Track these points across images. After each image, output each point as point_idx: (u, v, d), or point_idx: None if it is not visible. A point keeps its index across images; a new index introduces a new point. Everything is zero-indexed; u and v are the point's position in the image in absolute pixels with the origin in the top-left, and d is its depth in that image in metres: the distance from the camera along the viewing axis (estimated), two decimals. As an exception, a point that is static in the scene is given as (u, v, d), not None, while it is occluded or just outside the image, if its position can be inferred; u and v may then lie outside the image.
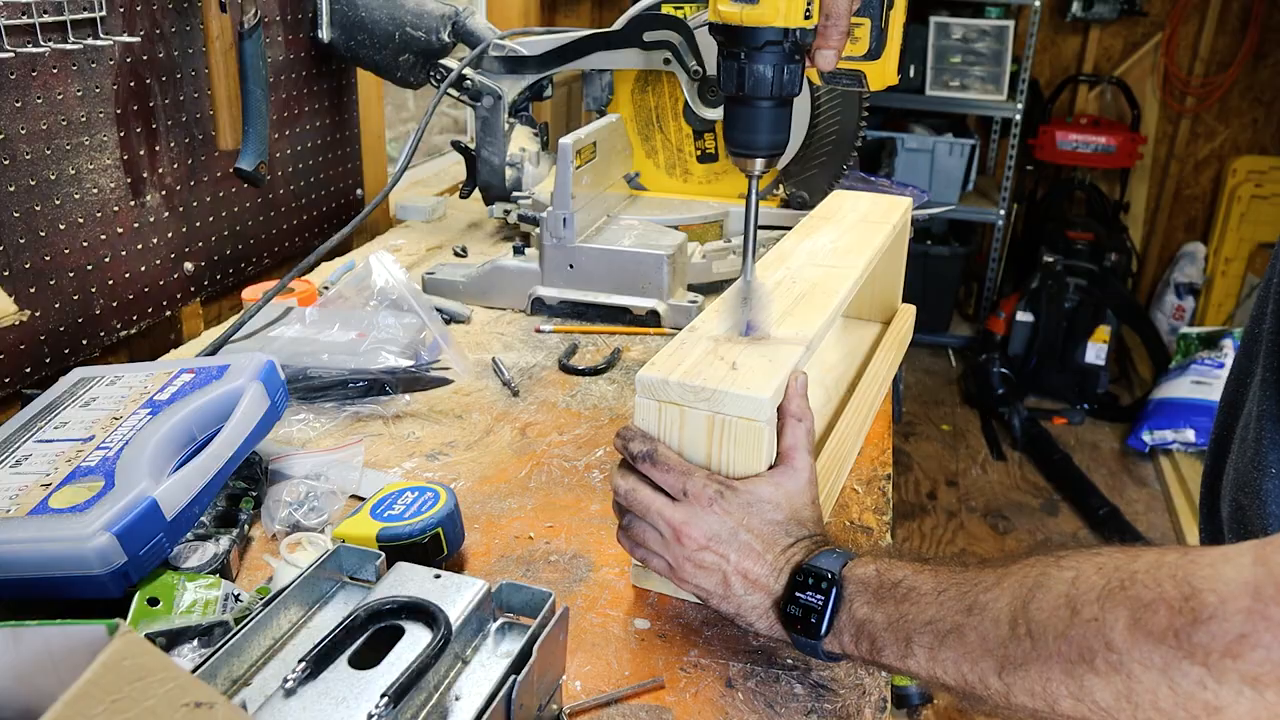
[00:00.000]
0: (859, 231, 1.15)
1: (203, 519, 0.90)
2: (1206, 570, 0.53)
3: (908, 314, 1.36)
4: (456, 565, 0.90)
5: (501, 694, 0.60)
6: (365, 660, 0.61)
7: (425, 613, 0.64)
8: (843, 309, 0.97)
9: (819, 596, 0.70)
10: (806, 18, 0.77)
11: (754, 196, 0.84)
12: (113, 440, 0.86)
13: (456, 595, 0.66)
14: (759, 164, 0.82)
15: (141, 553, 0.77)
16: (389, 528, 0.84)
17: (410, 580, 0.68)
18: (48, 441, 0.89)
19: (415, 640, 0.62)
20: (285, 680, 0.59)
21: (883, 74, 0.93)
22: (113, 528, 0.75)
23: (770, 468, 0.79)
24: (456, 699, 0.61)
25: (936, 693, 0.65)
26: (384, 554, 0.72)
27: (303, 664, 0.59)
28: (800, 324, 0.88)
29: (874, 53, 0.92)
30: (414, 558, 0.78)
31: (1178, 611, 0.52)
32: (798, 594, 0.71)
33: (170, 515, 0.79)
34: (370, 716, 0.56)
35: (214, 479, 0.85)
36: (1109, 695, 0.55)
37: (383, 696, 0.56)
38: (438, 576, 0.68)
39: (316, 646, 0.61)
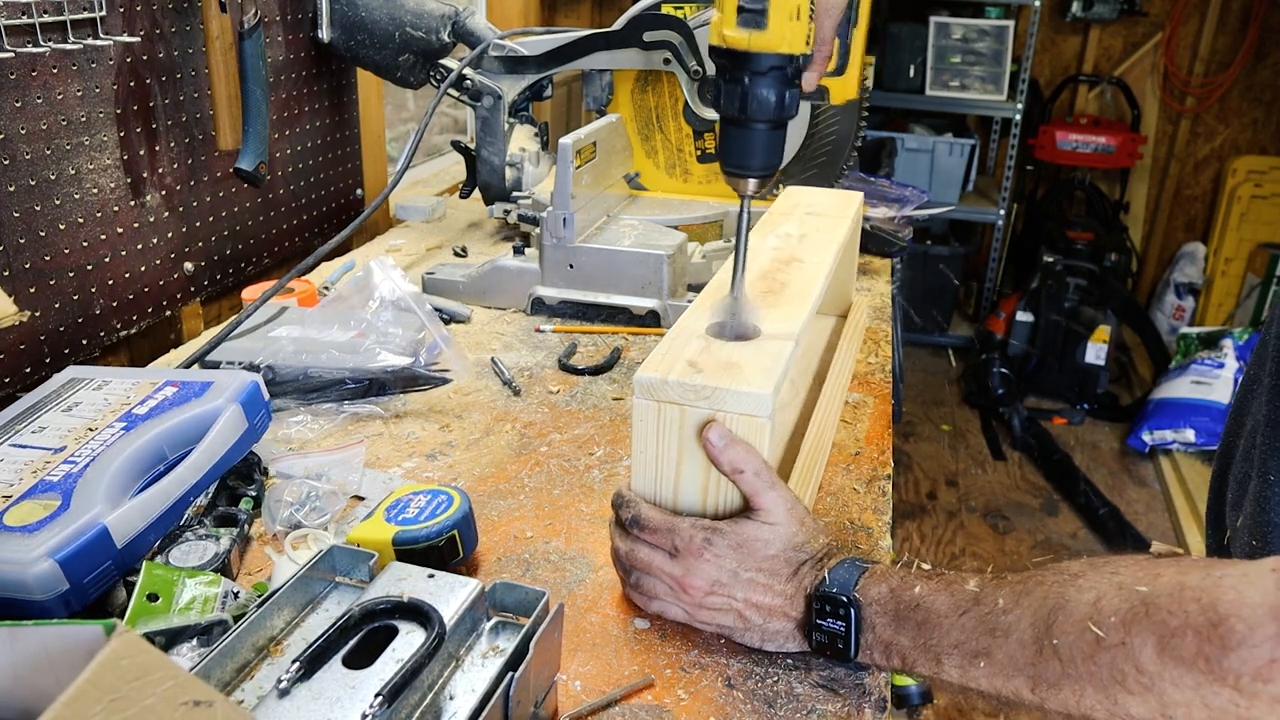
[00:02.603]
0: (819, 226, 1.16)
1: (203, 519, 0.91)
2: (1230, 595, 0.55)
3: (862, 305, 1.39)
4: (466, 566, 0.90)
5: (500, 691, 0.60)
6: (359, 660, 0.61)
7: (419, 612, 0.64)
8: (820, 301, 0.98)
9: (839, 623, 0.72)
10: (807, 44, 0.78)
11: (746, 214, 0.85)
12: (81, 454, 0.85)
13: (450, 595, 0.66)
14: (752, 184, 0.83)
15: (86, 580, 0.75)
16: (405, 531, 0.83)
17: (404, 580, 0.68)
18: (21, 447, 0.88)
19: (409, 640, 0.62)
20: (280, 680, 0.59)
21: (845, 88, 0.95)
22: (56, 554, 0.73)
23: (745, 510, 0.79)
24: (450, 698, 0.62)
25: (973, 699, 0.69)
26: (394, 556, 0.72)
27: (297, 664, 0.59)
28: (783, 319, 0.89)
29: (840, 69, 0.94)
30: (431, 561, 0.78)
31: (1206, 639, 0.55)
32: (819, 621, 0.73)
33: (121, 543, 0.78)
34: (364, 716, 0.56)
35: (175, 504, 0.84)
36: (1144, 710, 0.58)
37: (377, 696, 0.56)
38: (431, 576, 0.68)
39: (311, 646, 0.61)
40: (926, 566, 0.73)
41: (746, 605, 0.76)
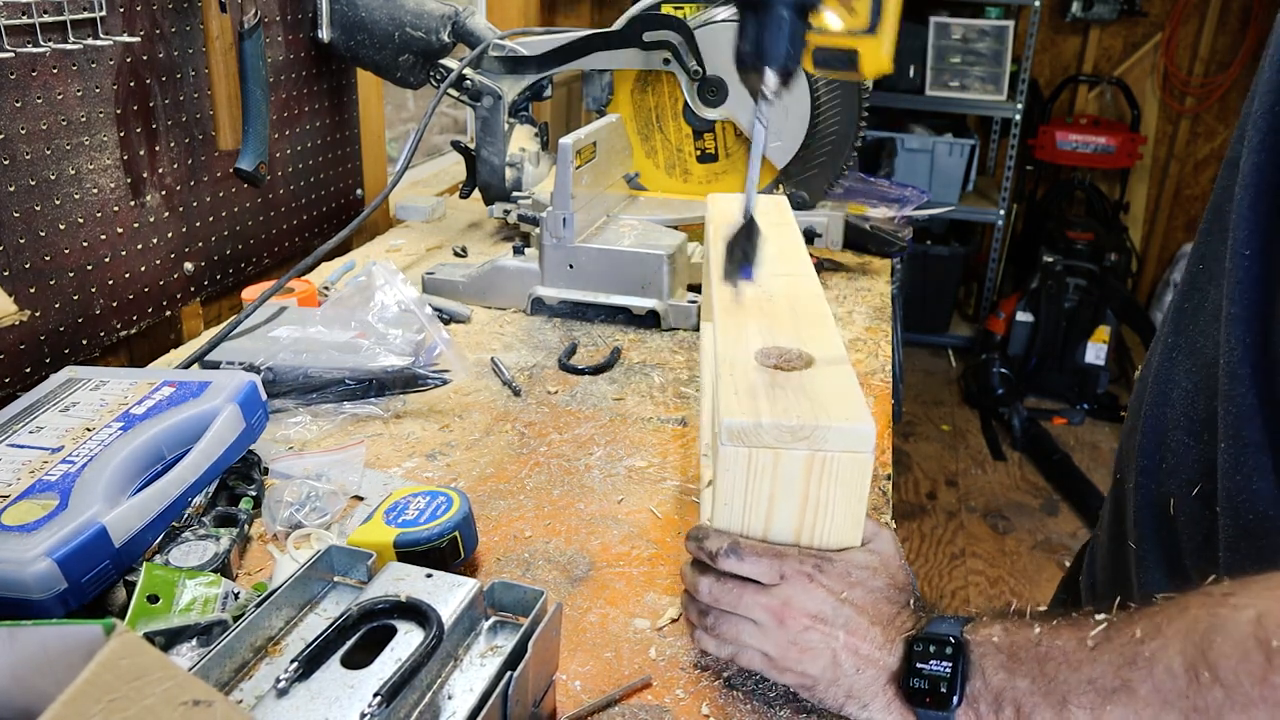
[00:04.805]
0: (775, 236, 1.10)
1: (203, 519, 0.91)
2: None
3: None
4: (466, 566, 0.90)
5: (498, 691, 0.60)
6: (358, 660, 0.61)
7: (417, 612, 0.64)
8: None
9: (944, 664, 0.65)
10: None
11: (764, 122, 0.76)
12: (79, 454, 0.85)
13: (448, 594, 0.66)
14: (772, 79, 0.74)
15: (84, 580, 0.76)
16: (406, 534, 0.83)
17: (402, 580, 0.68)
18: (19, 447, 0.88)
19: (408, 639, 0.62)
20: (278, 680, 0.59)
21: (877, 56, 0.89)
22: (55, 554, 0.73)
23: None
24: (449, 698, 0.62)
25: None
26: (395, 559, 0.72)
27: (295, 664, 0.59)
28: (819, 341, 0.83)
29: (871, 27, 0.89)
30: (432, 563, 0.78)
31: None
32: (919, 664, 0.66)
33: (119, 542, 0.78)
34: (363, 716, 0.56)
35: (173, 504, 0.85)
36: None
37: (375, 695, 0.57)
38: (429, 576, 0.68)
39: (309, 646, 0.61)
40: (1041, 609, 0.66)
41: (844, 649, 0.69)
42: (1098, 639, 0.60)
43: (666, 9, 1.62)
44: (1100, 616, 0.61)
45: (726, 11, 1.61)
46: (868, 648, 0.69)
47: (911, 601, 0.71)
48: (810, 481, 0.71)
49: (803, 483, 0.71)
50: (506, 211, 1.73)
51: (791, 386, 0.74)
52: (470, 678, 0.63)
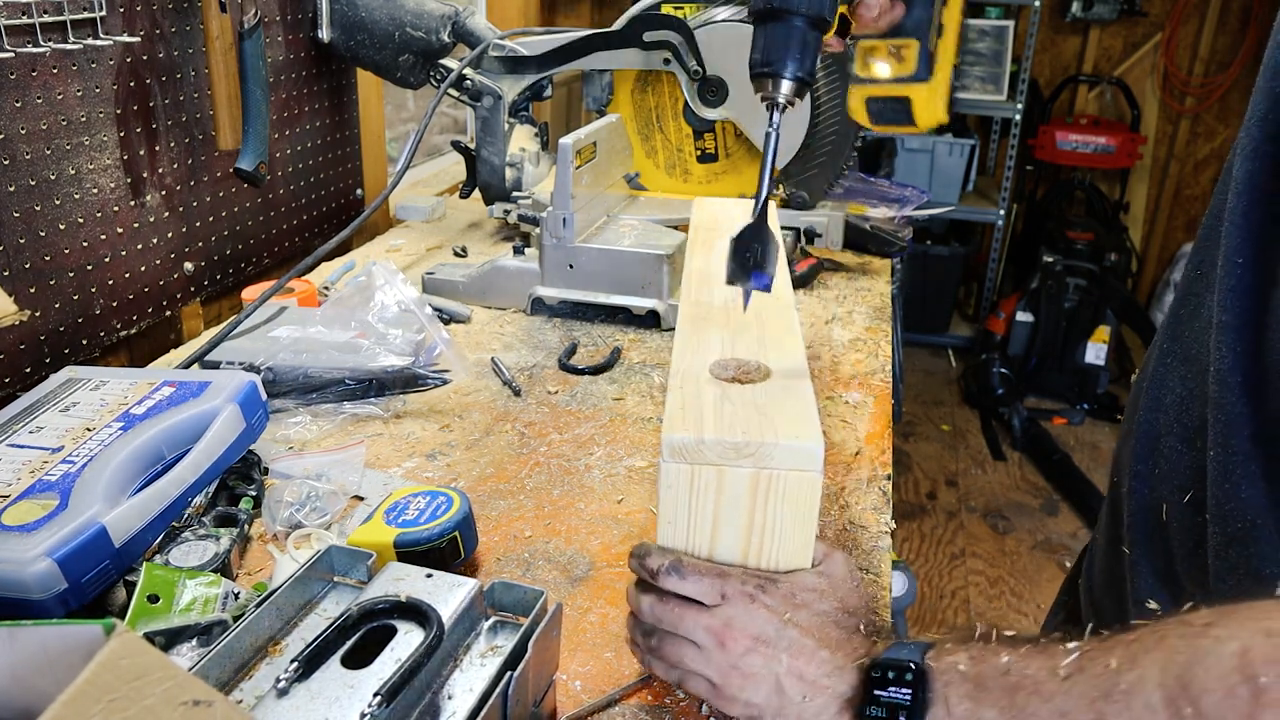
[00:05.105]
0: None
1: (203, 519, 0.91)
2: None
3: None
4: (466, 566, 0.90)
5: (498, 691, 0.60)
6: (358, 660, 0.61)
7: (418, 612, 0.64)
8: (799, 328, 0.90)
9: (904, 691, 0.61)
10: None
11: (776, 131, 0.75)
12: (79, 454, 0.85)
13: (448, 594, 0.66)
14: (786, 87, 0.74)
15: (84, 580, 0.76)
16: (406, 534, 0.83)
17: (402, 580, 0.68)
18: (19, 447, 0.88)
19: (408, 639, 0.63)
20: (278, 680, 0.59)
21: (931, 105, 0.86)
22: (55, 554, 0.73)
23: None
24: (449, 698, 0.62)
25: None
26: (395, 558, 0.71)
27: (295, 664, 0.60)
28: (780, 350, 0.80)
29: (920, 75, 0.86)
30: (432, 562, 0.78)
31: None
32: (877, 692, 0.62)
33: (119, 542, 0.78)
34: (363, 716, 0.56)
35: (173, 503, 0.85)
36: None
37: (375, 695, 0.57)
38: (429, 576, 0.68)
39: (309, 646, 0.61)
40: (1009, 633, 0.63)
41: (788, 674, 0.65)
42: (1070, 668, 0.57)
43: (666, 9, 1.62)
44: (1072, 644, 0.59)
45: (727, 11, 1.61)
46: (815, 673, 0.65)
47: (864, 626, 0.69)
48: (756, 501, 0.68)
49: (748, 502, 0.68)
50: (506, 211, 1.73)
51: (742, 401, 0.71)
52: (470, 678, 0.63)
